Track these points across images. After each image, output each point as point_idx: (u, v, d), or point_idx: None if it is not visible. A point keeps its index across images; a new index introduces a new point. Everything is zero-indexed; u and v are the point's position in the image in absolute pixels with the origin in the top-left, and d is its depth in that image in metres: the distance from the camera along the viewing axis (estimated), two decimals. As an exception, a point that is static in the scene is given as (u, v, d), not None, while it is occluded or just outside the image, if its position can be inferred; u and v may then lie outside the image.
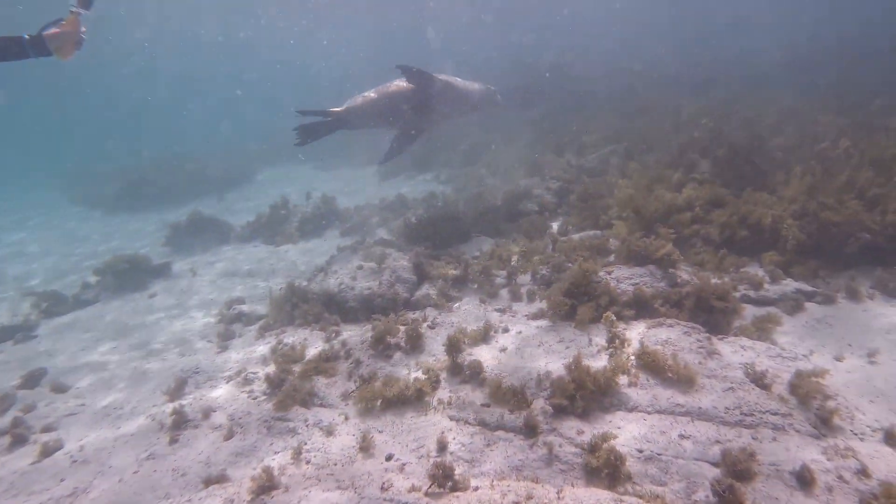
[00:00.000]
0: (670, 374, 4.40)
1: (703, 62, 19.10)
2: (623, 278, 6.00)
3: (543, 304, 6.11)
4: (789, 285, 5.79)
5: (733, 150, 8.29)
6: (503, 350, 5.41)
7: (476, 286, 7.21)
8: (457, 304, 6.99)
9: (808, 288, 5.70)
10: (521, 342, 5.47)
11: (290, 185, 17.70)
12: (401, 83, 8.53)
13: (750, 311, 5.53)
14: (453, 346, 5.23)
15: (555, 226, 8.94)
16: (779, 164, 8.26)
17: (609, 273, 6.14)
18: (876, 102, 11.13)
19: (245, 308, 7.90)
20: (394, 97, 8.49)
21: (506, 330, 5.83)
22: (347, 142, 19.85)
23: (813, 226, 6.22)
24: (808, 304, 5.49)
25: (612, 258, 7.08)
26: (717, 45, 22.71)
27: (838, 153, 7.40)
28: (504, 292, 7.07)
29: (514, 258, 8.00)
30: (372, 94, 8.62)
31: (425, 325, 6.39)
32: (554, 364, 4.93)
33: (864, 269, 5.91)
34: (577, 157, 11.56)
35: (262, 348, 6.38)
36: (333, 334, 6.44)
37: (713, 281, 6.15)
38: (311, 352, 5.99)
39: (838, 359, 4.58)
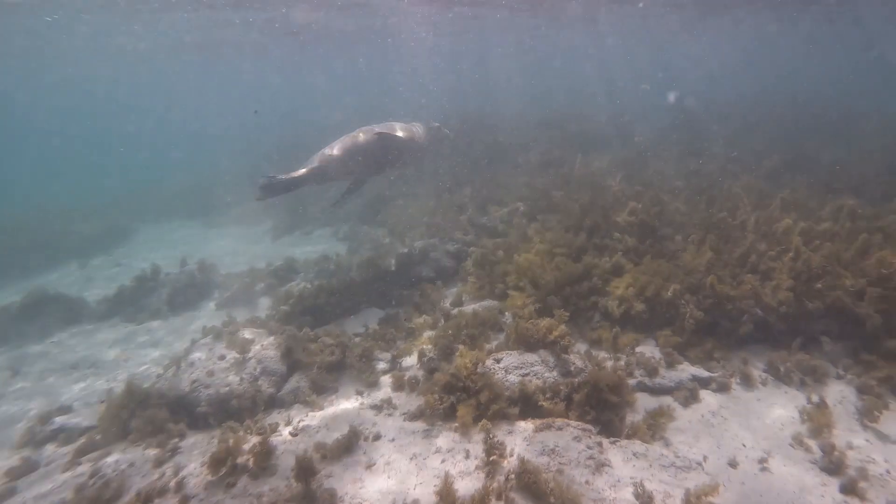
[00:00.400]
0: (552, 500, 3.82)
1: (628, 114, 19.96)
2: (512, 368, 5.48)
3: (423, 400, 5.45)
4: (685, 371, 5.51)
5: (634, 213, 8.25)
6: (369, 467, 4.65)
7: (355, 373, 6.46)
8: (331, 398, 6.20)
9: (703, 374, 5.45)
10: (390, 455, 4.74)
11: (170, 247, 16.15)
12: (360, 137, 8.79)
13: (645, 402, 5.15)
14: (304, 470, 4.41)
15: (451, 294, 8.42)
16: (679, 227, 8.32)
17: (498, 361, 5.60)
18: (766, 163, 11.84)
19: (69, 420, 6.56)
20: (356, 153, 8.76)
21: (377, 437, 5.09)
22: (240, 196, 18.80)
23: (709, 301, 6.06)
24: (703, 393, 5.21)
25: (503, 337, 6.63)
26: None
27: (735, 224, 7.49)
28: (386, 380, 6.37)
29: (401, 336, 7.38)
30: (334, 153, 8.71)
31: (287, 430, 5.54)
32: (424, 489, 4.23)
33: (756, 348, 5.79)
34: (480, 215, 11.27)
35: (67, 482, 5.16)
36: (170, 454, 5.38)
37: (609, 363, 5.83)
38: (134, 485, 4.90)
39: (732, 464, 4.23)
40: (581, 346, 6.44)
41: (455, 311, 7.69)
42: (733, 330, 5.95)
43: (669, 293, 6.19)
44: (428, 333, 7.31)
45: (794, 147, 13.48)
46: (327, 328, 7.66)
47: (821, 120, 16.79)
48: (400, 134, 8.92)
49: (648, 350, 6.09)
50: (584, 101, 24.99)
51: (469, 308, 7.64)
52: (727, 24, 28.65)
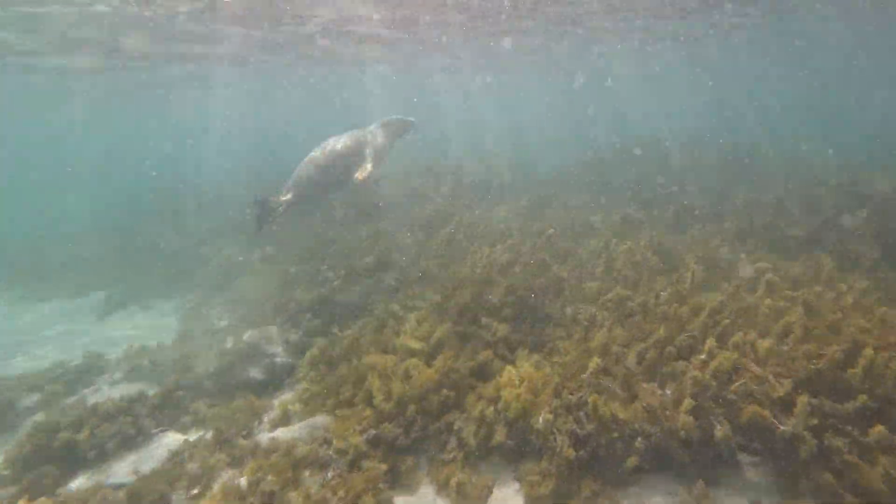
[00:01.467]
0: None
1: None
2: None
3: None
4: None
5: (512, 291, 7.00)
6: None
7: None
8: None
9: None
10: None
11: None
12: (330, 148, 10.35)
13: None
14: None
15: (277, 407, 6.72)
16: (567, 300, 7.14)
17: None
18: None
19: None
20: (332, 166, 10.22)
21: None
22: (81, 253, 16.32)
23: (592, 426, 4.72)
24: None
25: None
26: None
27: (634, 304, 6.36)
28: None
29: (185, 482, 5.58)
30: (310, 172, 10.24)
31: None
32: None
33: (654, 482, 4.53)
34: (343, 287, 9.70)
35: None
36: None
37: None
38: None
39: None
40: (428, 491, 4.97)
41: (272, 436, 6.03)
42: (622, 461, 4.63)
43: (539, 422, 4.82)
44: (227, 474, 5.60)
45: (705, 187, 13.07)
46: (79, 487, 5.72)
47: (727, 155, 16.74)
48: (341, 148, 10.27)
49: (510, 496, 4.67)
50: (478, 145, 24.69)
51: (290, 433, 5.98)
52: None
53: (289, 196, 10.08)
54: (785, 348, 5.08)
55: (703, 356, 5.14)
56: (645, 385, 5.07)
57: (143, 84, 25.82)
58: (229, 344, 8.26)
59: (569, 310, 7.11)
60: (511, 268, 8.10)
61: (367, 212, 12.92)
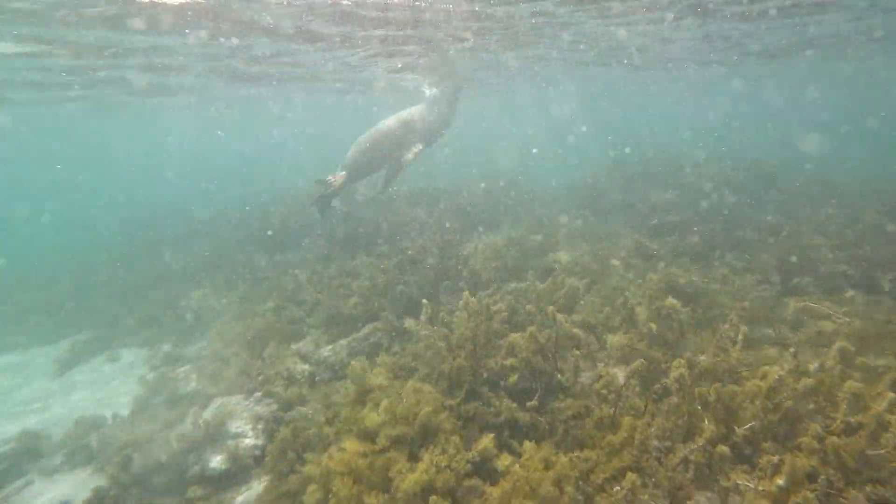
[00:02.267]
0: None
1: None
2: None
3: None
4: None
5: (514, 352, 5.84)
6: None
7: None
8: None
9: None
10: None
11: None
12: (374, 130, 11.58)
13: None
14: None
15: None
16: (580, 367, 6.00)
17: None
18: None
19: None
20: (378, 145, 11.46)
21: None
22: (46, 302, 15.17)
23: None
24: None
25: None
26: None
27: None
28: None
29: None
30: (357, 152, 11.57)
31: None
32: None
33: None
34: (324, 341, 8.56)
35: None
36: None
37: None
38: None
39: None
40: None
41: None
42: None
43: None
44: None
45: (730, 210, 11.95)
46: None
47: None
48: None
49: None
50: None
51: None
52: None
53: (343, 174, 11.53)
54: (881, 452, 3.94)
55: (767, 461, 4.03)
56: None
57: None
58: (188, 421, 7.07)
59: (585, 376, 5.99)
60: (513, 317, 7.00)
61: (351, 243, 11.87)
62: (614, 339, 6.34)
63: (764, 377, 4.78)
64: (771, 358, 5.90)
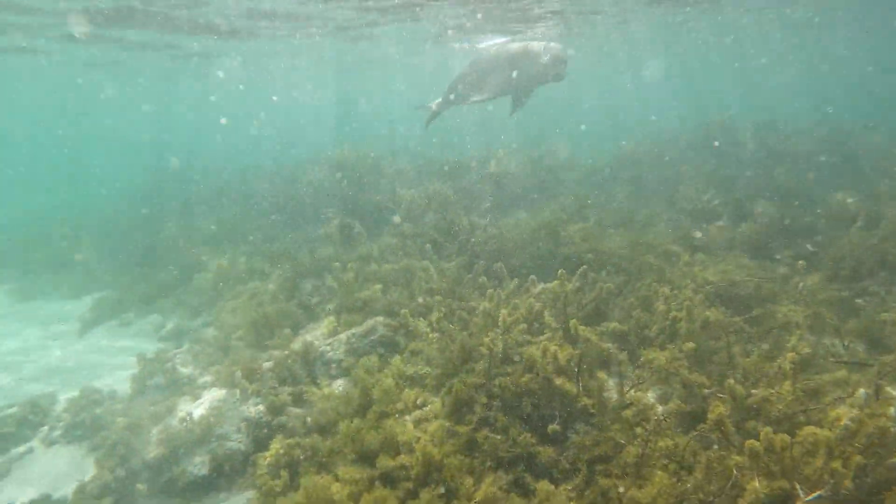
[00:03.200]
0: None
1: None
2: None
3: None
4: None
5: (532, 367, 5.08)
6: None
7: None
8: None
9: None
10: None
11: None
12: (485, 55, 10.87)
13: None
14: None
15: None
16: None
17: None
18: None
19: None
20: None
21: None
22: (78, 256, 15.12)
23: None
24: None
25: None
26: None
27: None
28: None
29: None
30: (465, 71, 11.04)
31: None
32: None
33: None
34: (328, 334, 7.94)
35: None
36: None
37: None
38: None
39: None
40: None
41: None
42: None
43: None
44: None
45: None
46: None
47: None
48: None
49: None
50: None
51: None
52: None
53: (438, 101, 11.84)
54: None
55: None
56: None
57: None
58: (176, 416, 6.62)
59: (616, 399, 5.18)
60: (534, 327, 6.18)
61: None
62: (649, 357, 5.46)
63: (833, 421, 3.89)
64: (842, 381, 4.93)
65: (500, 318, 5.86)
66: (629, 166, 14.30)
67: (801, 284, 6.68)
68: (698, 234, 8.43)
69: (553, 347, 5.15)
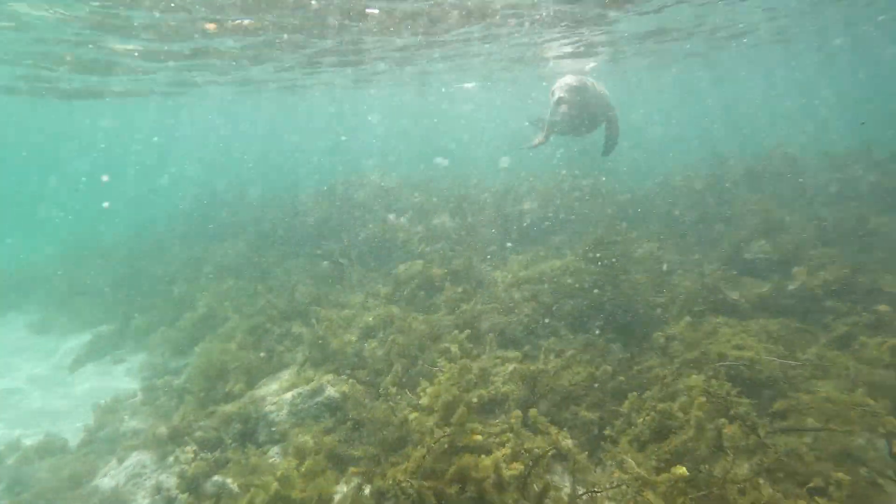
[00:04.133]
0: None
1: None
2: None
3: None
4: None
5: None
6: None
7: None
8: None
9: None
10: None
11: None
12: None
13: None
14: None
15: None
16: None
17: None
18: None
19: None
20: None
21: None
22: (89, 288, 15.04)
23: None
24: None
25: None
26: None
27: None
28: None
29: None
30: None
31: None
32: None
33: None
34: (288, 386, 7.03)
35: None
36: None
37: None
38: None
39: None
40: None
41: None
42: None
43: None
44: None
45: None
46: None
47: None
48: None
49: None
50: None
51: None
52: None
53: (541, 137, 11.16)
54: None
55: None
56: None
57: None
58: (97, 479, 5.87)
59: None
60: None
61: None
62: (617, 458, 4.19)
63: None
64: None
65: (441, 399, 4.75)
66: (670, 199, 12.78)
67: (851, 366, 5.15)
68: (734, 296, 6.93)
69: (495, 459, 4.00)
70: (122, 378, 10.73)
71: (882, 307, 6.09)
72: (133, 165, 72.35)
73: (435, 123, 60.40)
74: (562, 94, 9.76)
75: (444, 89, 30.26)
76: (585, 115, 10.21)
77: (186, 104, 29.02)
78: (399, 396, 5.61)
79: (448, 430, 4.61)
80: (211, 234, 16.75)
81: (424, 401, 5.15)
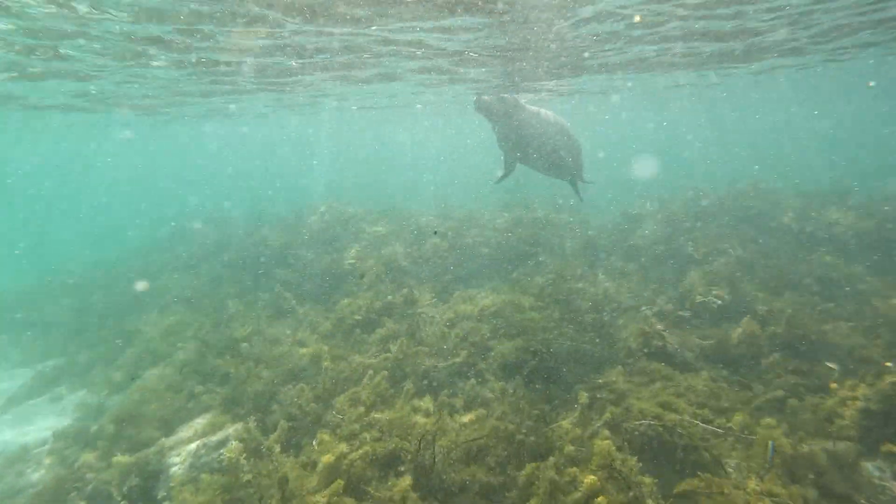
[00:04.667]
0: None
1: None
2: None
3: None
4: None
5: None
6: None
7: None
8: None
9: None
10: None
11: None
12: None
13: None
14: None
15: None
16: None
17: None
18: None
19: None
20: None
21: None
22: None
23: None
24: None
25: None
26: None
27: None
28: None
29: None
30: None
31: None
32: None
33: None
34: (200, 433, 6.59)
35: None
36: None
37: None
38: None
39: None
40: None
41: None
42: None
43: None
44: None
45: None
46: None
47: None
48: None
49: None
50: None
51: None
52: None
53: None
54: None
55: None
56: None
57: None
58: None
59: None
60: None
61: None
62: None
63: None
64: None
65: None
66: (639, 231, 12.41)
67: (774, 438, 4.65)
68: (675, 344, 6.46)
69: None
70: (58, 417, 10.20)
71: (830, 365, 5.64)
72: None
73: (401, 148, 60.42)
74: (475, 97, 9.54)
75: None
76: (514, 135, 9.69)
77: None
78: (286, 454, 5.16)
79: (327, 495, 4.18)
80: (174, 264, 16.38)
81: (318, 458, 4.73)
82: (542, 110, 10.05)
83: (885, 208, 11.30)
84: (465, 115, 26.98)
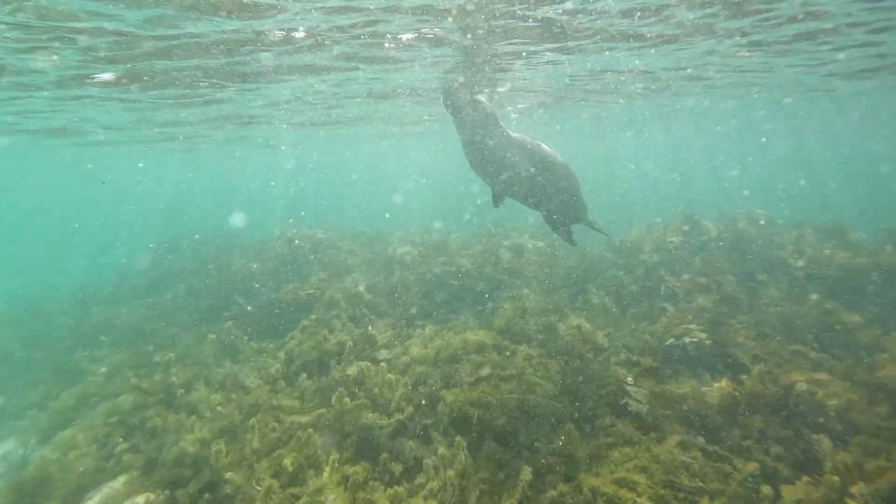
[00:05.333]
0: None
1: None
2: None
3: None
4: None
5: None
6: None
7: None
8: None
9: None
10: None
11: None
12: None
13: None
14: None
15: None
16: None
17: None
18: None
19: None
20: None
21: None
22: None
23: None
24: None
25: None
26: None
27: None
28: None
29: None
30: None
31: None
32: None
33: None
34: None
35: None
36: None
37: None
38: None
39: None
40: None
41: None
42: None
43: None
44: None
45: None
46: None
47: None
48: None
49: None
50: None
51: None
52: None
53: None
54: None
55: None
56: None
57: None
58: None
59: None
60: None
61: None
62: None
63: None
64: None
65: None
66: (621, 263, 11.75)
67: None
68: (640, 403, 5.76)
69: None
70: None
71: (818, 438, 4.93)
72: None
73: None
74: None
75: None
76: (480, 144, 7.03)
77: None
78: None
79: None
80: (138, 292, 15.71)
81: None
82: (517, 135, 7.61)
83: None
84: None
